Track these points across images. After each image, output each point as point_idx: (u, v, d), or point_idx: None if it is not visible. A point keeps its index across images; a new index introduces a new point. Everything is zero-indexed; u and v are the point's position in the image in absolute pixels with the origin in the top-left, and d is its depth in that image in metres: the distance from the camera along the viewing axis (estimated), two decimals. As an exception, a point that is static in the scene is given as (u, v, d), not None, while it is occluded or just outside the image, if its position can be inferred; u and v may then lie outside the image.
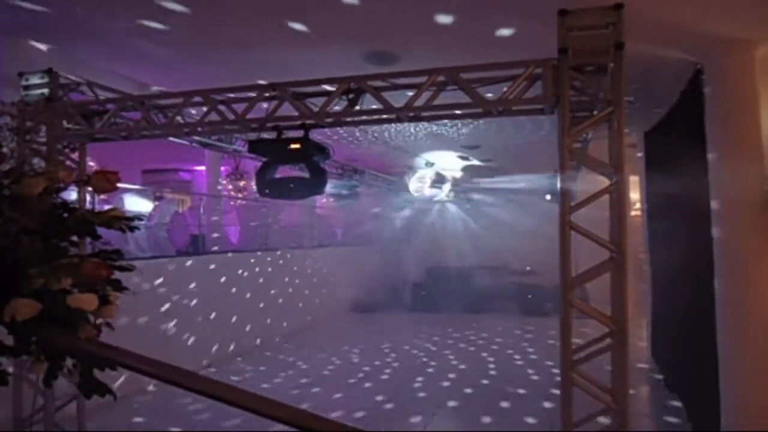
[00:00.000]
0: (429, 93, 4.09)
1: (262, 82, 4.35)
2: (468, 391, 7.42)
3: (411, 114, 4.23)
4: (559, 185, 3.70)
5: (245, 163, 13.45)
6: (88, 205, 5.01)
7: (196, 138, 6.93)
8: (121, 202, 9.17)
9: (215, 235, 11.16)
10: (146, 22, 4.92)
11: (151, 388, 7.05)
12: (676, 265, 6.69)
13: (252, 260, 10.43)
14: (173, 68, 6.27)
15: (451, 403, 6.92)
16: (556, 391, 3.72)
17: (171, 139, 5.95)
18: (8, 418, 4.64)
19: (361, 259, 14.87)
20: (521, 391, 7.33)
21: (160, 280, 7.86)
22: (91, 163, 7.60)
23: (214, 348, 8.96)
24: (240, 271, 9.95)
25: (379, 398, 7.12)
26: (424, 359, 9.24)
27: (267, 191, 5.05)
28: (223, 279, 9.35)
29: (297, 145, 4.56)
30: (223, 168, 13.28)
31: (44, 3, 4.48)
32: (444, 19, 4.70)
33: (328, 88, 4.30)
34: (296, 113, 4.32)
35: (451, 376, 8.17)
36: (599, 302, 4.04)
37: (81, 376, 1.59)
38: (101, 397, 1.62)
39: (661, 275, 8.06)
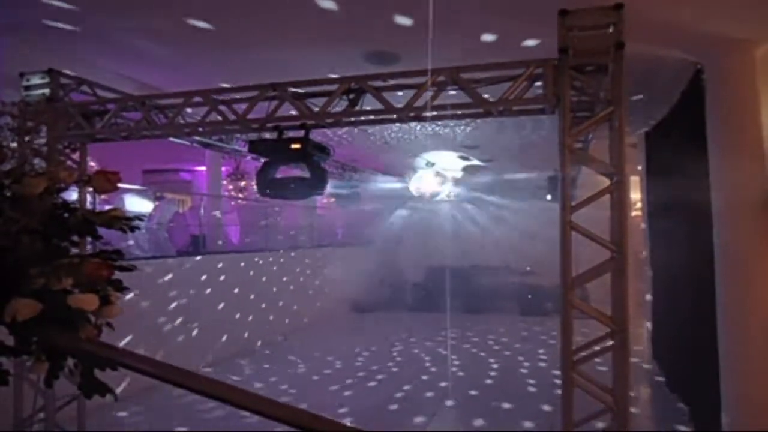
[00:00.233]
0: (429, 93, 4.08)
1: (262, 82, 4.35)
2: (468, 391, 7.42)
3: (411, 114, 4.23)
4: (559, 185, 3.70)
5: (246, 163, 13.48)
6: (88, 205, 5.02)
7: (197, 138, 6.94)
8: (122, 202, 9.17)
9: (219, 241, 11.18)
10: (147, 23, 4.93)
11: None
12: (676, 265, 6.69)
13: (253, 260, 10.44)
14: (174, 68, 6.27)
15: (452, 403, 6.91)
16: (557, 392, 3.72)
17: (171, 139, 5.96)
18: (9, 418, 4.64)
19: (361, 259, 14.87)
20: (522, 391, 7.33)
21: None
22: (92, 163, 7.60)
23: (218, 345, 9.02)
24: (241, 271, 9.96)
25: (380, 398, 7.12)
26: (425, 359, 9.24)
27: (268, 191, 5.05)
28: (225, 278, 9.36)
29: (297, 145, 4.57)
30: (223, 168, 13.29)
31: (44, 3, 4.48)
32: (445, 18, 4.70)
33: (328, 88, 4.30)
34: (297, 113, 4.32)
35: (452, 376, 8.17)
36: (599, 302, 4.04)
37: (82, 376, 1.59)
38: (102, 397, 1.62)
39: (661, 275, 8.05)
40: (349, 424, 1.48)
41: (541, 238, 11.59)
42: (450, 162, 13.28)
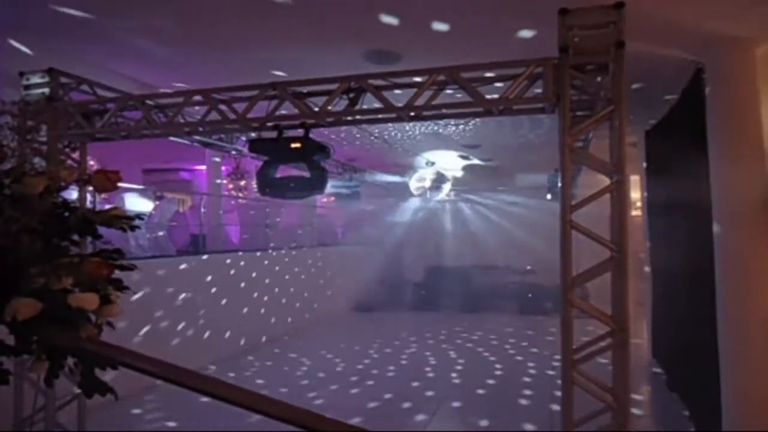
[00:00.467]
0: (430, 92, 4.08)
1: (262, 81, 4.35)
2: (470, 390, 7.42)
3: (411, 113, 4.22)
4: (559, 184, 3.70)
5: (246, 162, 13.48)
6: (89, 205, 5.02)
7: (197, 137, 6.94)
8: (122, 201, 9.17)
9: (219, 241, 11.21)
10: (147, 22, 4.92)
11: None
12: (676, 264, 6.69)
13: (256, 260, 10.47)
14: (174, 67, 6.27)
15: (452, 403, 6.92)
16: (558, 393, 3.71)
17: (171, 138, 5.96)
18: (9, 417, 4.64)
19: (361, 258, 14.88)
20: (523, 390, 7.34)
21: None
22: (92, 163, 7.60)
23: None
24: (244, 270, 9.99)
25: (380, 397, 7.12)
26: (426, 358, 9.24)
27: (268, 190, 5.05)
28: (227, 277, 9.39)
29: (298, 145, 4.56)
30: (223, 167, 13.28)
31: (45, 2, 4.48)
32: (445, 17, 4.70)
33: (328, 87, 4.29)
34: (297, 112, 4.32)
35: (452, 375, 8.18)
36: (600, 302, 4.04)
37: (82, 376, 1.59)
38: (102, 396, 1.62)
39: (661, 275, 8.06)
40: (350, 423, 1.48)
41: (541, 237, 11.61)
42: (450, 161, 13.28)
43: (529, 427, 6.00)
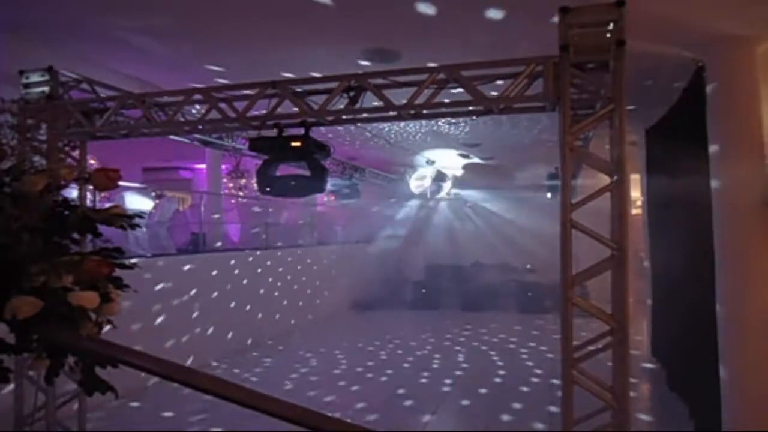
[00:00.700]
0: (430, 91, 4.08)
1: (262, 79, 4.34)
2: (469, 389, 7.43)
3: (412, 112, 4.22)
4: (560, 183, 3.70)
5: (246, 161, 13.46)
6: (89, 203, 5.02)
7: (197, 136, 6.94)
8: (122, 200, 9.18)
9: (219, 241, 11.26)
10: (147, 20, 4.92)
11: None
12: (676, 263, 6.69)
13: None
14: (174, 66, 6.27)
15: (452, 402, 6.93)
16: (557, 393, 3.71)
17: (171, 137, 5.96)
18: (10, 415, 4.64)
19: (361, 257, 14.89)
20: (525, 390, 7.35)
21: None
22: (92, 161, 7.61)
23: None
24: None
25: (381, 396, 7.13)
26: (425, 356, 9.25)
27: (268, 189, 5.05)
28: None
29: (298, 143, 4.56)
30: (223, 166, 13.27)
31: (45, 1, 4.48)
32: (445, 16, 4.69)
33: (328, 85, 4.29)
34: (297, 111, 4.32)
35: (453, 373, 8.18)
36: (600, 300, 4.04)
37: (83, 374, 1.59)
38: (102, 394, 1.62)
39: (661, 273, 8.06)
40: (356, 420, 1.48)
41: (541, 236, 11.62)
42: (450, 160, 13.28)
43: (529, 426, 6.00)
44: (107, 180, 1.84)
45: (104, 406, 6.12)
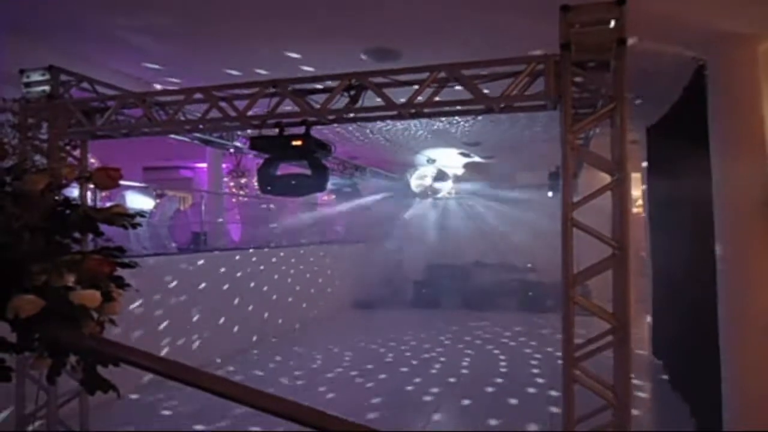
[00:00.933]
0: (431, 89, 4.07)
1: (263, 78, 4.34)
2: (469, 389, 7.43)
3: (412, 110, 4.22)
4: (561, 182, 3.70)
5: (247, 160, 13.47)
6: (90, 202, 5.02)
7: (198, 135, 6.94)
8: (123, 199, 9.18)
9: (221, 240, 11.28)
10: (147, 19, 4.92)
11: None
12: (677, 262, 6.68)
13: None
14: (175, 65, 6.27)
15: (454, 401, 6.93)
16: (558, 392, 3.71)
17: (172, 136, 5.96)
18: (11, 415, 4.65)
19: (362, 256, 14.89)
20: (527, 389, 7.35)
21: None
22: (93, 160, 7.60)
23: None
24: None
25: (382, 395, 7.13)
26: (426, 355, 9.25)
27: (269, 188, 5.05)
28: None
29: (298, 142, 4.56)
30: (224, 165, 13.29)
31: (45, 0, 4.48)
32: (446, 14, 4.69)
33: (329, 84, 4.29)
34: (297, 110, 4.31)
35: (454, 372, 8.18)
36: (601, 299, 4.04)
37: (84, 373, 1.59)
38: (104, 393, 1.62)
39: (662, 272, 8.05)
40: (357, 419, 1.48)
41: (542, 235, 11.60)
42: (451, 159, 13.28)
43: (531, 426, 6.00)
44: (108, 179, 1.84)
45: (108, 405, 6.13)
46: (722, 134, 4.89)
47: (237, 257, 9.82)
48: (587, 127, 3.77)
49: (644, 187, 9.32)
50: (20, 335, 1.54)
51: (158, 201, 10.96)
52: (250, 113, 4.40)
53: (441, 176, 14.50)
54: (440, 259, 15.36)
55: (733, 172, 4.77)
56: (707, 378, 5.10)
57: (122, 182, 3.95)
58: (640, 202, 10.28)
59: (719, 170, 4.87)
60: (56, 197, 1.74)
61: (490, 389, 7.38)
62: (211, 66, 6.19)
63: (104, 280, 1.65)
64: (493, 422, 6.12)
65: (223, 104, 4.47)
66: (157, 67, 6.26)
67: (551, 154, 4.26)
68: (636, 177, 9.45)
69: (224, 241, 11.51)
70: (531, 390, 7.29)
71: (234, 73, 6.23)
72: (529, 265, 14.44)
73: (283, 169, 5.12)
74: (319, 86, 4.37)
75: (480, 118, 7.70)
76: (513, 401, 6.83)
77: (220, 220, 11.70)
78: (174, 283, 8.01)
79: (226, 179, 13.84)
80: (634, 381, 3.70)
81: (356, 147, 11.23)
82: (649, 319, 9.16)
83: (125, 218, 1.83)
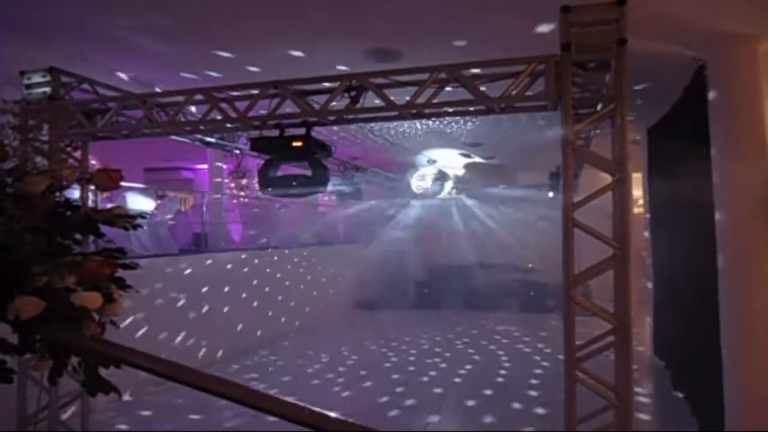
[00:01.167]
0: (431, 90, 4.08)
1: (263, 79, 4.34)
2: (470, 389, 7.43)
3: (413, 111, 4.22)
4: (561, 182, 3.69)
5: (248, 161, 13.48)
6: (90, 204, 5.02)
7: (198, 136, 6.94)
8: (124, 200, 9.18)
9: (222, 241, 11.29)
10: (148, 21, 4.92)
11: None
12: (679, 262, 6.68)
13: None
14: (175, 66, 6.27)
15: (455, 401, 6.93)
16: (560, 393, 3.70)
17: (173, 137, 5.96)
18: (13, 416, 4.65)
19: (363, 256, 14.88)
20: (528, 388, 7.35)
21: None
22: (93, 162, 7.61)
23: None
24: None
25: (383, 395, 7.13)
26: (427, 355, 9.25)
27: (269, 189, 5.05)
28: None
29: (299, 143, 4.56)
30: (225, 166, 13.29)
31: (46, 1, 4.49)
32: (446, 15, 4.69)
33: (329, 85, 4.29)
34: (298, 111, 4.32)
35: (456, 372, 8.18)
36: (602, 299, 4.03)
37: (86, 374, 1.60)
38: (106, 395, 1.62)
39: (664, 272, 8.05)
40: (352, 421, 1.48)
41: (543, 235, 11.59)
42: (452, 159, 13.27)
43: (532, 426, 5.99)
44: (109, 180, 1.84)
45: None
46: (723, 134, 4.88)
47: (242, 257, 9.87)
48: (588, 127, 3.78)
49: (645, 186, 9.31)
50: (21, 337, 1.54)
51: (159, 202, 10.96)
52: (250, 114, 4.40)
53: (442, 177, 14.49)
54: (441, 259, 15.35)
55: (734, 171, 4.77)
56: (709, 378, 5.09)
57: (123, 183, 3.95)
58: (641, 202, 10.27)
59: (720, 170, 4.87)
60: (57, 199, 1.74)
61: (491, 390, 7.37)
62: (212, 67, 6.19)
63: (105, 281, 1.66)
64: (494, 423, 6.11)
65: (223, 105, 4.47)
66: (157, 68, 6.27)
67: (552, 154, 4.26)
68: (637, 177, 9.44)
69: (225, 243, 11.52)
70: (532, 391, 7.28)
71: (234, 73, 6.23)
72: (530, 266, 14.42)
73: (284, 169, 5.12)
74: (319, 87, 4.37)
75: (480, 118, 7.69)
76: (514, 402, 6.82)
77: (220, 217, 11.72)
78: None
79: (226, 180, 13.84)
80: (636, 381, 3.70)
81: (357, 148, 11.22)
82: (650, 319, 9.14)
83: (126, 219, 1.83)
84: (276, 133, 4.63)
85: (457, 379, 7.87)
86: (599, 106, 3.79)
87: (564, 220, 3.55)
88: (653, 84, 6.32)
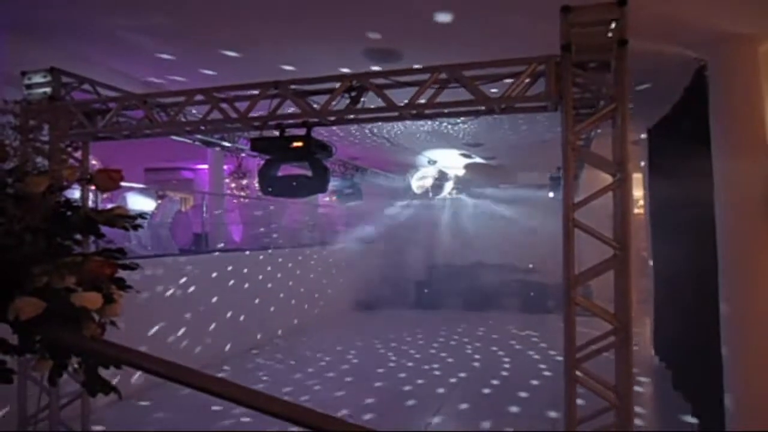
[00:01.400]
0: (431, 90, 4.07)
1: (264, 80, 4.34)
2: (471, 389, 7.43)
3: (413, 111, 4.21)
4: (562, 182, 3.69)
5: (248, 161, 13.48)
6: (91, 204, 5.02)
7: (199, 136, 6.93)
8: (124, 201, 9.18)
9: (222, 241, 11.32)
10: (148, 21, 4.93)
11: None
12: (679, 262, 6.67)
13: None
14: (176, 66, 6.27)
15: (455, 402, 6.92)
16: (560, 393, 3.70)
17: (173, 137, 5.96)
18: (13, 416, 4.65)
19: (363, 257, 14.88)
20: (527, 392, 7.34)
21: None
22: (94, 162, 7.61)
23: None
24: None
25: (384, 396, 7.13)
26: (428, 355, 9.24)
27: (270, 189, 5.05)
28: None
29: (299, 143, 4.56)
30: (225, 167, 13.29)
31: (47, 1, 4.49)
32: (447, 15, 4.69)
33: (330, 85, 4.29)
34: (298, 111, 4.32)
35: (456, 373, 8.17)
36: (603, 300, 4.03)
37: (86, 375, 1.60)
38: (106, 395, 1.62)
39: (664, 272, 8.04)
40: (353, 422, 1.48)
41: (543, 236, 11.58)
42: (452, 160, 13.27)
43: (533, 426, 5.99)
44: (109, 180, 1.84)
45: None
46: (723, 134, 4.88)
47: (243, 257, 9.89)
48: (588, 127, 3.77)
49: (646, 186, 9.31)
50: (21, 337, 1.54)
51: (159, 202, 10.96)
52: (251, 114, 4.40)
53: (442, 177, 14.48)
54: (442, 259, 15.36)
55: (735, 172, 4.77)
56: (709, 378, 5.09)
57: (123, 184, 3.95)
58: (641, 202, 10.27)
59: (720, 170, 4.86)
60: (57, 199, 1.74)
61: (491, 390, 7.37)
62: (212, 67, 6.20)
63: (105, 281, 1.66)
64: (494, 423, 6.11)
65: (224, 105, 4.47)
66: (158, 68, 6.27)
67: (552, 154, 4.26)
68: (637, 177, 9.45)
69: (226, 243, 11.51)
70: (533, 391, 7.28)
71: (234, 73, 6.23)
72: (530, 266, 14.42)
73: (284, 170, 5.12)
74: (320, 87, 4.37)
75: (481, 118, 7.68)
76: (514, 402, 6.82)
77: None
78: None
79: (227, 180, 13.84)
80: (636, 381, 3.70)
81: (357, 148, 11.22)
82: (650, 319, 9.14)
83: (126, 220, 1.83)
84: (276, 133, 4.63)
85: (457, 380, 7.87)
86: (600, 107, 3.79)
87: (564, 221, 3.55)
88: (654, 84, 6.32)
